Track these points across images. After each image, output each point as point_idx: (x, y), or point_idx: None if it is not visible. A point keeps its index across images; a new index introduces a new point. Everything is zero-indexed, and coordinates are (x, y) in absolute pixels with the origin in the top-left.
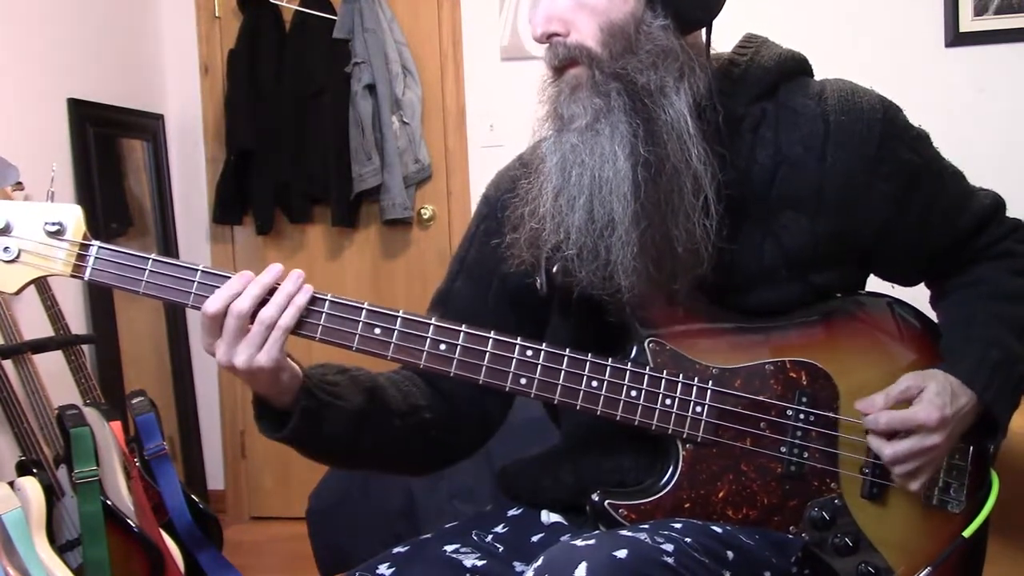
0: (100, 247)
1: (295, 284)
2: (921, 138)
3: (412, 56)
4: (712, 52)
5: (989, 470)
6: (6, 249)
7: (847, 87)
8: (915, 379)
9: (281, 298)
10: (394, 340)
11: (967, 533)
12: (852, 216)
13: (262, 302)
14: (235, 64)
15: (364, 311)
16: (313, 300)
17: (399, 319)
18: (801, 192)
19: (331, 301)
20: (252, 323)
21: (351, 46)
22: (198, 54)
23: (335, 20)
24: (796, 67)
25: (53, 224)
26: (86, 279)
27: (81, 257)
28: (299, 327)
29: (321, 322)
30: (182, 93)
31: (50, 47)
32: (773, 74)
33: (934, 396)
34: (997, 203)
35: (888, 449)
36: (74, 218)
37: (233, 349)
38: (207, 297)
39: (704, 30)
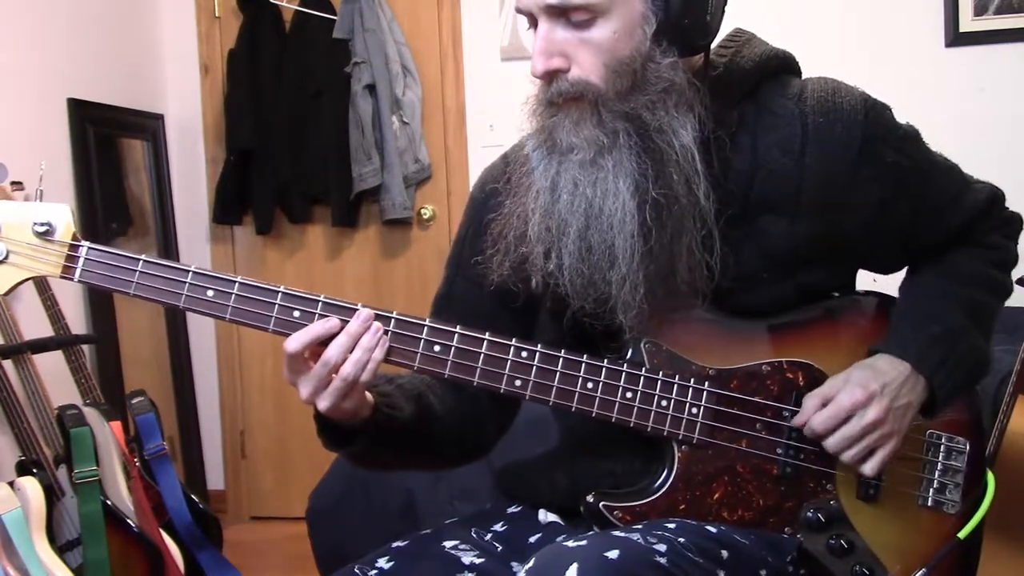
0: (90, 248)
1: (373, 338)
2: (908, 138)
3: (412, 56)
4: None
5: (985, 471)
6: None
7: (828, 87)
8: (838, 377)
9: (360, 354)
10: (388, 342)
11: (962, 534)
12: (833, 219)
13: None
14: (235, 64)
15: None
16: (311, 303)
17: (392, 320)
18: (778, 196)
19: (324, 303)
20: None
21: (351, 46)
22: (198, 54)
23: (335, 20)
24: (779, 65)
25: (42, 224)
26: (75, 280)
27: (71, 258)
28: (287, 327)
29: None
30: (182, 93)
31: (50, 47)
32: (752, 75)
33: (854, 378)
34: (992, 198)
35: (831, 440)
36: (63, 218)
37: (318, 395)
38: (199, 299)
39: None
